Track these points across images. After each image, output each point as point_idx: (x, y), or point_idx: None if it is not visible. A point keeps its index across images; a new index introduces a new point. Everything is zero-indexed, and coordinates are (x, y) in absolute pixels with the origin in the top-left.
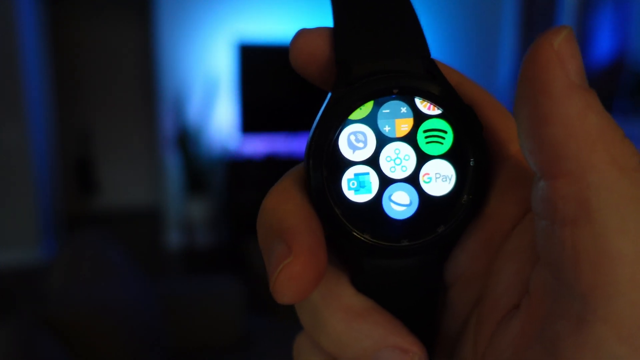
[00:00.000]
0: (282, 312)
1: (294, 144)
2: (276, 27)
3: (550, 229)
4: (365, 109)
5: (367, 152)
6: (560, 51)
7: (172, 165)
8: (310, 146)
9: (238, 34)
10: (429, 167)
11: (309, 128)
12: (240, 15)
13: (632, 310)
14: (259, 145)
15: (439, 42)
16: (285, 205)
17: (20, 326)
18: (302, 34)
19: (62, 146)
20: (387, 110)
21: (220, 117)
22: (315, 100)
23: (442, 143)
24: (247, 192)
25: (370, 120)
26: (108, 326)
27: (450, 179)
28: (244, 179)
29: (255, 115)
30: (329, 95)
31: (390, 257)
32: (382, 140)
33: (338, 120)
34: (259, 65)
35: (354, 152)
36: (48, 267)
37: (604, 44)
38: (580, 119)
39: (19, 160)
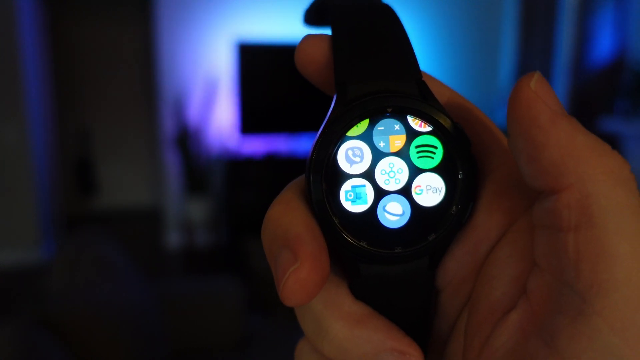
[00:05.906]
0: (282, 312)
1: (294, 144)
2: (275, 27)
3: (555, 236)
4: (362, 126)
5: (363, 166)
6: (537, 90)
7: (172, 165)
8: (311, 160)
9: (237, 34)
10: (420, 180)
11: (308, 128)
12: (239, 15)
13: (625, 304)
14: (258, 145)
15: (440, 42)
16: (288, 215)
17: (20, 326)
18: (307, 37)
19: (62, 146)
20: (382, 128)
21: (220, 117)
22: (315, 100)
23: (432, 158)
24: (246, 192)
25: (366, 137)
26: (108, 326)
27: (440, 191)
28: (244, 179)
29: (254, 115)
30: (328, 114)
31: (385, 264)
32: (377, 155)
33: (336, 136)
34: (259, 64)
35: (351, 165)
36: (48, 267)
37: (604, 44)
38: (571, 140)
39: (18, 161)
